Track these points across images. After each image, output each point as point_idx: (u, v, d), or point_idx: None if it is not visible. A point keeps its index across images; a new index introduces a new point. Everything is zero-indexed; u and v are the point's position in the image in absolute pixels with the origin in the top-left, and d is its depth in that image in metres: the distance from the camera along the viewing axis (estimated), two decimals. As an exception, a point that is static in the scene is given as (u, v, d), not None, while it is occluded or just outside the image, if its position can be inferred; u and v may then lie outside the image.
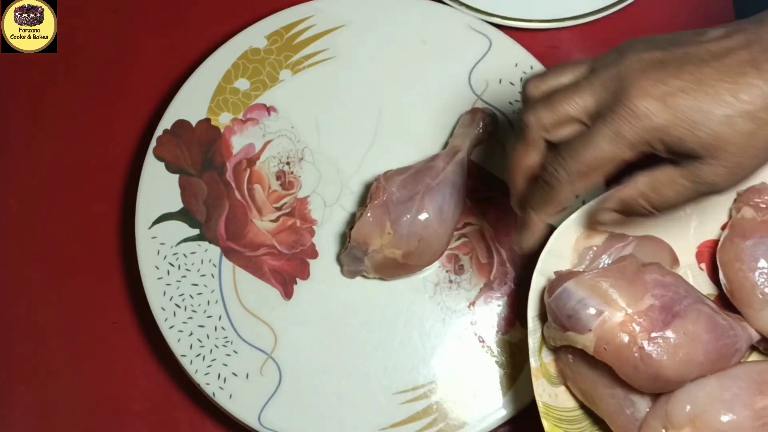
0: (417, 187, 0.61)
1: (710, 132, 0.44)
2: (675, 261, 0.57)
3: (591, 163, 0.46)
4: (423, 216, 0.60)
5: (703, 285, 0.58)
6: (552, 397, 0.54)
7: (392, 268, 0.61)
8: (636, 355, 0.49)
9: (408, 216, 0.60)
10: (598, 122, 0.46)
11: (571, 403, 0.55)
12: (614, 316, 0.50)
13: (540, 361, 0.55)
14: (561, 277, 0.52)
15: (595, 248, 0.56)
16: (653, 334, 0.49)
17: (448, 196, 0.61)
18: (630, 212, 0.49)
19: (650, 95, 0.44)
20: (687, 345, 0.50)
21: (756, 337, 0.54)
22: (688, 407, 0.51)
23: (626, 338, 0.49)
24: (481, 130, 0.64)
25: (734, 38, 0.45)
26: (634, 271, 0.52)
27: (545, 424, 0.53)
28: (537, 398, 0.54)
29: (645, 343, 0.49)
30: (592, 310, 0.50)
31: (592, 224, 0.55)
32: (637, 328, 0.49)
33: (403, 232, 0.60)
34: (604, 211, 0.51)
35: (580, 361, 0.53)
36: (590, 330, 0.50)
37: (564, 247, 0.56)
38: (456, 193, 0.62)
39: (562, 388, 0.55)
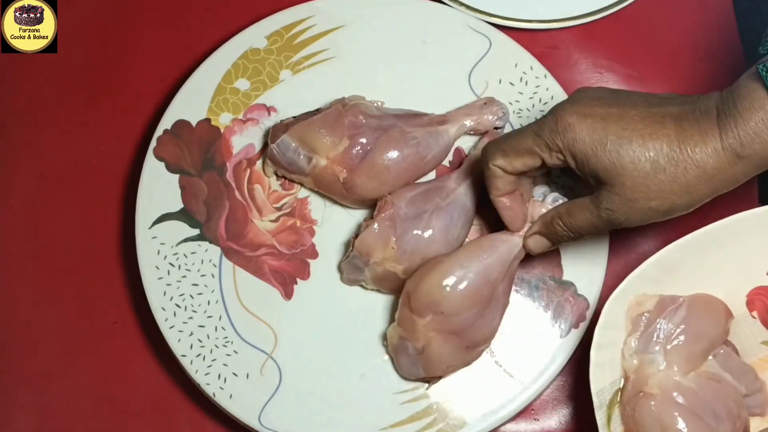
0: (426, 205, 0.61)
1: (613, 161, 0.49)
2: (729, 315, 0.58)
3: (514, 146, 0.54)
4: (428, 234, 0.60)
5: (757, 333, 0.59)
6: None
7: (391, 282, 0.61)
8: (341, 185, 0.62)
9: (414, 233, 0.60)
10: (532, 122, 0.53)
11: None
12: (320, 161, 0.62)
13: None
14: (278, 129, 0.63)
15: (647, 314, 0.57)
16: (351, 169, 0.61)
17: (456, 218, 0.61)
18: (552, 235, 0.56)
19: (577, 113, 0.50)
20: (378, 169, 0.62)
21: (454, 136, 0.64)
22: None
23: (332, 176, 0.62)
24: None
25: (677, 99, 0.51)
26: (336, 117, 0.62)
27: None
28: None
29: (345, 178, 0.61)
30: (304, 158, 0.62)
31: (526, 249, 0.58)
32: (338, 168, 0.61)
33: (406, 248, 0.60)
34: (531, 237, 0.57)
35: (650, 429, 0.54)
36: (308, 174, 0.62)
37: (617, 317, 0.57)
38: (464, 215, 0.62)
39: None
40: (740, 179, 0.49)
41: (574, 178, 0.60)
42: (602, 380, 0.56)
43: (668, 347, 0.56)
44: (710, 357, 0.57)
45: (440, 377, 0.60)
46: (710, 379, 0.56)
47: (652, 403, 0.54)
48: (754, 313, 0.59)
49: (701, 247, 0.57)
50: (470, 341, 0.58)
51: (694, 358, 0.56)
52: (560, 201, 0.62)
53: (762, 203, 0.66)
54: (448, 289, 0.57)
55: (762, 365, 0.59)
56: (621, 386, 0.56)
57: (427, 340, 0.58)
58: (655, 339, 0.56)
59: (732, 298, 0.59)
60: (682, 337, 0.56)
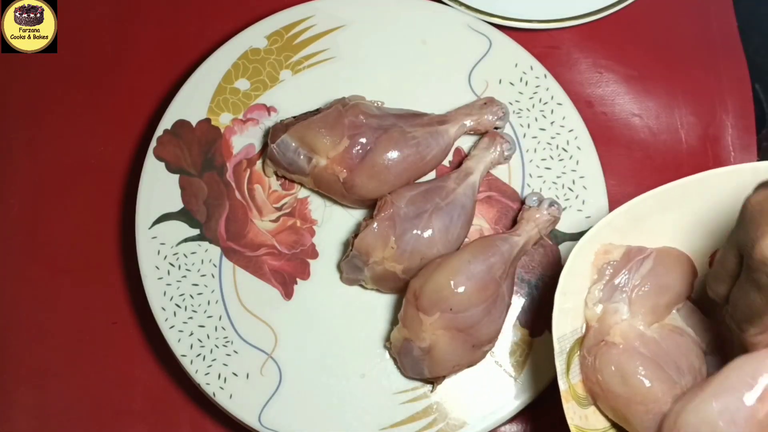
0: (426, 205, 0.61)
1: None
2: (694, 271, 0.57)
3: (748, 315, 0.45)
4: (428, 234, 0.60)
5: None
6: (582, 419, 0.54)
7: (390, 282, 0.61)
8: (341, 185, 0.61)
9: (413, 233, 0.60)
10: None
11: (602, 423, 0.55)
12: (320, 161, 0.61)
13: (568, 383, 0.54)
14: (278, 129, 0.63)
15: (614, 262, 0.56)
16: (351, 169, 0.60)
17: (456, 218, 0.61)
18: None
19: None
20: (378, 169, 0.61)
21: (454, 136, 0.63)
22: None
23: (332, 176, 0.62)
24: (497, 156, 0.64)
25: None
26: (336, 116, 0.61)
27: None
28: (569, 421, 0.53)
29: (345, 178, 0.61)
30: (304, 159, 0.62)
31: None
32: (338, 168, 0.61)
33: (406, 248, 0.60)
34: None
35: (610, 378, 0.53)
36: (308, 174, 0.62)
37: (582, 265, 0.56)
38: (464, 215, 0.62)
39: (592, 408, 0.55)
40: None
41: None
42: (564, 327, 0.55)
43: (633, 297, 0.55)
44: (674, 311, 0.56)
45: (444, 377, 0.60)
46: (673, 332, 0.55)
47: (614, 351, 0.54)
48: None
49: (671, 200, 0.56)
50: (476, 339, 0.58)
51: (658, 310, 0.56)
52: (555, 206, 0.62)
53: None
54: (456, 286, 0.57)
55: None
56: (582, 335, 0.55)
57: (434, 340, 0.58)
58: (620, 288, 0.55)
59: (697, 257, 0.58)
60: (647, 288, 0.55)
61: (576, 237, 0.63)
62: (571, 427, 0.53)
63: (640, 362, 0.53)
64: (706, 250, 0.58)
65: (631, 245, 0.56)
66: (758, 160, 0.69)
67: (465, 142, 0.66)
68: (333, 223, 0.65)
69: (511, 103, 0.66)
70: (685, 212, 0.57)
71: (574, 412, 0.54)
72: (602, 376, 0.54)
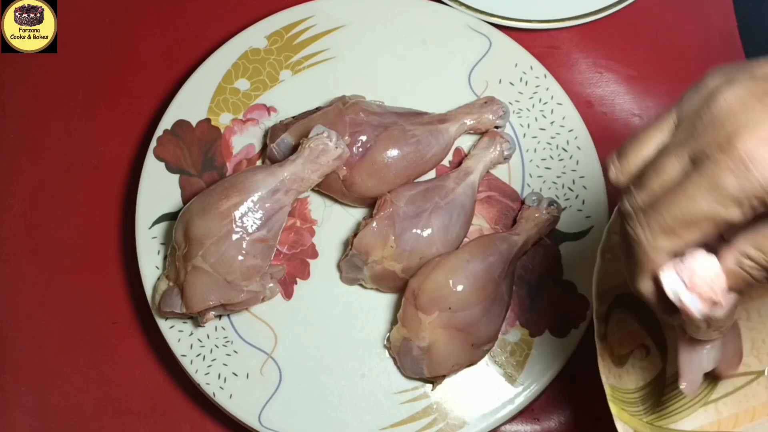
0: (425, 204, 0.61)
1: None
2: None
3: (680, 218, 0.37)
4: (427, 234, 0.60)
5: None
6: (617, 378, 0.53)
7: (390, 281, 0.61)
8: (340, 183, 0.61)
9: (413, 232, 0.60)
10: (692, 173, 0.36)
11: (634, 383, 0.54)
12: None
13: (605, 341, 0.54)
14: (277, 129, 0.63)
15: None
16: (351, 166, 0.60)
17: (455, 217, 0.61)
18: (745, 284, 0.39)
19: (763, 137, 0.35)
20: (378, 167, 0.61)
21: (454, 135, 0.63)
22: None
23: (332, 174, 0.61)
24: (497, 155, 0.64)
25: None
26: (336, 114, 0.61)
27: (612, 407, 0.52)
28: (603, 380, 0.52)
29: (345, 175, 0.61)
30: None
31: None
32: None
33: (405, 247, 0.60)
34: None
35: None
36: None
37: None
38: (463, 215, 0.62)
39: (626, 368, 0.54)
40: None
41: None
42: (603, 285, 0.54)
43: None
44: None
45: (444, 377, 0.60)
46: None
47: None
48: None
49: None
50: (476, 339, 0.58)
51: None
52: (555, 206, 0.62)
53: None
54: (455, 285, 0.57)
55: None
56: None
57: (433, 339, 0.58)
58: None
59: None
60: None
61: (576, 237, 0.63)
62: (606, 387, 0.53)
63: None
64: None
65: None
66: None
67: (465, 142, 0.66)
68: (333, 223, 0.65)
69: (511, 103, 0.66)
70: None
71: (609, 371, 0.53)
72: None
